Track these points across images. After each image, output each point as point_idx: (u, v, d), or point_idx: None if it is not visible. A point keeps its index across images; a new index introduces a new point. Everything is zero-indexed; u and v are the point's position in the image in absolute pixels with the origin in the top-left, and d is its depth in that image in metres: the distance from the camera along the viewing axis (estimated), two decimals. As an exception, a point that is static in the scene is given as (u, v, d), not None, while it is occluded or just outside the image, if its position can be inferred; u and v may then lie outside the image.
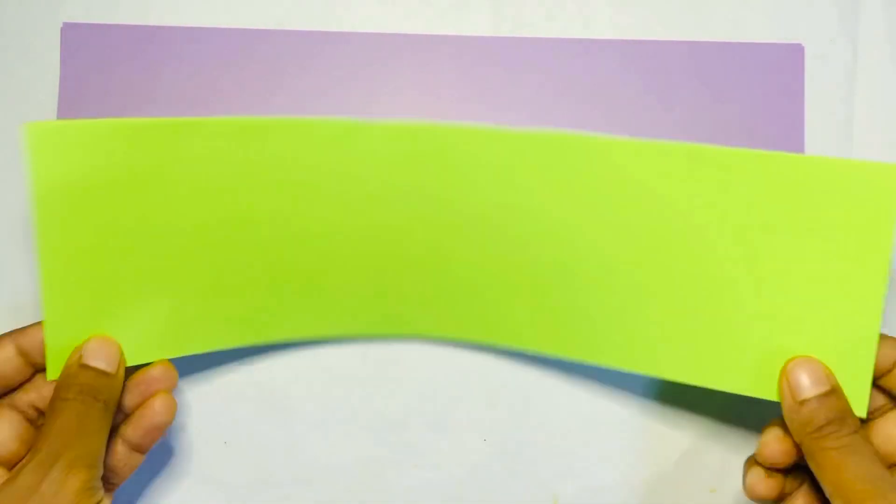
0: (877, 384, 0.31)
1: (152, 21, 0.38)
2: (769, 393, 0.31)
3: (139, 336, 0.32)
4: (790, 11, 0.38)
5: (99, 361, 0.30)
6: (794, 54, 0.38)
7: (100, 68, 0.37)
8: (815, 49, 0.38)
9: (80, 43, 0.38)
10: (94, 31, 0.38)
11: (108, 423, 0.30)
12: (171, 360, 0.34)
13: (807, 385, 0.29)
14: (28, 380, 0.32)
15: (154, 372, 0.32)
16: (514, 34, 0.38)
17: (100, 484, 0.30)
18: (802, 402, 0.29)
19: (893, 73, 0.38)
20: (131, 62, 0.38)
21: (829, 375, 0.29)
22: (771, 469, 0.31)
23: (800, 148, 0.38)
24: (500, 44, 0.38)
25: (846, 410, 0.28)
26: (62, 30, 0.38)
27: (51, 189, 0.31)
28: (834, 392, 0.29)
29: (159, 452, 0.37)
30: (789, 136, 0.38)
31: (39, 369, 0.32)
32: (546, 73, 0.38)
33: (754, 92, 0.38)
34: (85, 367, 0.30)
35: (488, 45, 0.38)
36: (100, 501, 0.29)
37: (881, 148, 0.38)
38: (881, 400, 0.32)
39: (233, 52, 0.38)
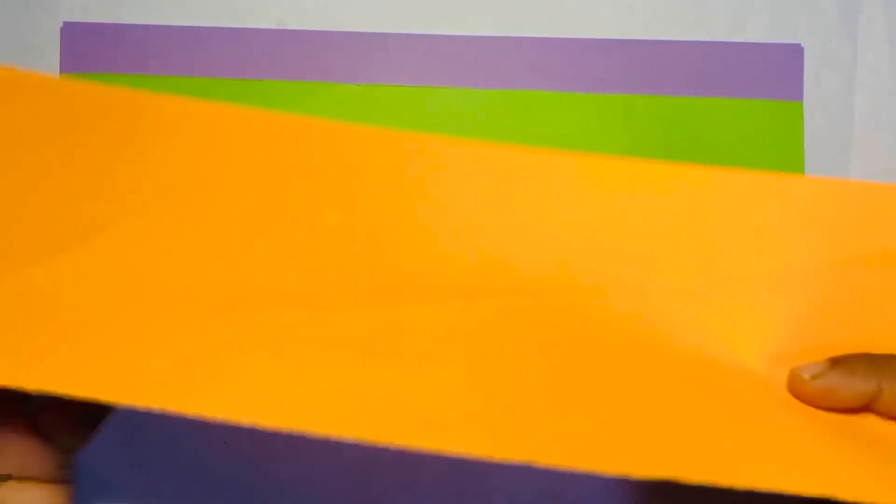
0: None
1: (152, 20, 0.38)
2: None
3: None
4: (790, 11, 0.38)
5: None
6: (793, 54, 0.38)
7: (100, 67, 0.37)
8: (815, 49, 0.38)
9: (80, 42, 0.38)
10: (95, 30, 0.38)
11: None
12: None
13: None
14: None
15: None
16: (514, 34, 0.38)
17: None
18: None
19: (893, 74, 0.38)
20: (131, 61, 0.38)
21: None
22: None
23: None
24: (500, 44, 0.38)
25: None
26: (62, 29, 0.38)
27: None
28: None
29: (159, 452, 0.37)
30: (789, 136, 0.38)
31: None
32: (546, 72, 0.38)
33: (754, 92, 0.38)
34: None
35: (488, 45, 0.38)
36: None
37: (881, 149, 0.38)
38: None
39: (233, 52, 0.38)
